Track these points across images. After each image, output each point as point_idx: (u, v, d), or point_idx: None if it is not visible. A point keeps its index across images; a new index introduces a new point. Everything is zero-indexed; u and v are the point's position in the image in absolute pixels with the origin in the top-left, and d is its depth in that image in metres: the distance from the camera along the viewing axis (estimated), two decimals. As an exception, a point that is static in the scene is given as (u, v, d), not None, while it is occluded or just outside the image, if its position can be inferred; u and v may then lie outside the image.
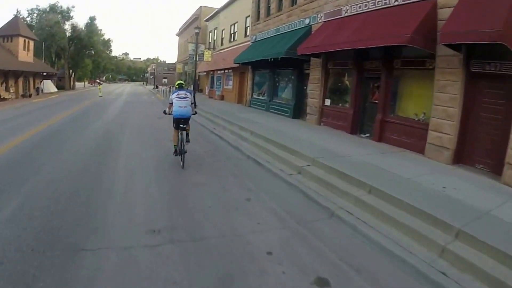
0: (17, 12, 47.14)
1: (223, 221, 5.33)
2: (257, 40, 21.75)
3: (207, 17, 36.58)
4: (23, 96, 33.60)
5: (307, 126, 14.80)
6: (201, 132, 13.79)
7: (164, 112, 9.26)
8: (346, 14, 13.42)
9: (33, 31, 44.42)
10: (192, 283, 3.69)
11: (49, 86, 44.69)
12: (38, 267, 3.75)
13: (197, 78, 41.04)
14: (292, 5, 17.89)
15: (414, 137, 10.31)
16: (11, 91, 31.73)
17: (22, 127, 13.01)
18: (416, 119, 10.48)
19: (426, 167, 8.26)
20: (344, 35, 12.06)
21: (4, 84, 30.97)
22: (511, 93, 7.97)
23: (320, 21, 15.13)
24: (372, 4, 11.99)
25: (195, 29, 23.14)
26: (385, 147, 10.53)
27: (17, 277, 3.57)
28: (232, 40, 28.78)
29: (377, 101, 12.14)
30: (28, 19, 46.38)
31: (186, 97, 8.49)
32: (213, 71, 31.63)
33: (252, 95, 22.99)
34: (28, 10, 46.23)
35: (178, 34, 59.80)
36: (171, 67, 65.74)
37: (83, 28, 52.30)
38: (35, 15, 47.01)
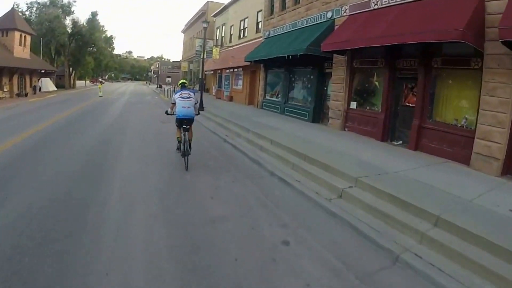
0: (14, 5, 46.05)
1: (260, 286, 3.81)
2: (270, 36, 20.36)
3: (215, 13, 35.30)
4: (19, 95, 32.40)
5: (330, 132, 13.45)
6: (213, 141, 12.33)
7: (166, 112, 9.10)
8: (376, 7, 12.24)
9: (32, 26, 43.53)
10: None
11: (47, 84, 43.70)
12: None
13: (203, 77, 39.88)
14: (312, -3, 16.50)
15: (456, 146, 9.37)
16: (5, 89, 30.53)
17: (3, 135, 11.37)
18: (459, 125, 9.52)
19: (480, 182, 7.32)
20: (378, 29, 10.81)
21: (-2, 82, 29.86)
22: None
23: (345, 14, 13.88)
24: (406, -5, 10.81)
25: (203, 23, 21.72)
26: (425, 158, 9.47)
27: None
28: (241, 36, 27.43)
29: (411, 104, 11.22)
30: (27, 13, 45.44)
31: (189, 97, 8.38)
32: (221, 69, 30.23)
33: (264, 96, 21.57)
34: (27, 4, 45.16)
35: (184, 31, 58.65)
36: (176, 65, 64.67)
37: (84, 23, 51.27)
38: (34, 9, 46.05)
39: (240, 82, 26.18)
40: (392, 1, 11.48)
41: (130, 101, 30.76)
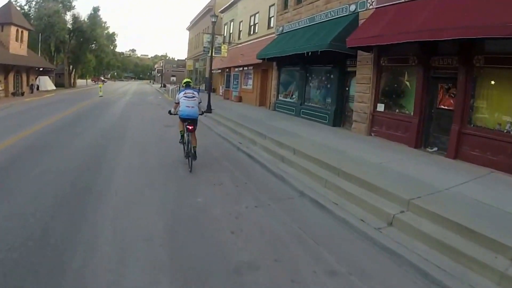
0: (11, -1, 45.18)
1: None
2: (284, 32, 19.11)
3: (222, 8, 34.06)
4: (14, 94, 31.40)
5: (356, 137, 12.21)
6: (225, 150, 11.01)
7: (170, 112, 9.19)
8: (408, -2, 11.08)
9: (31, 21, 42.65)
10: None
11: (46, 83, 42.80)
12: None
13: (211, 76, 38.70)
14: (333, -11, 15.23)
15: (501, 154, 8.47)
16: (0, 88, 29.56)
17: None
18: (504, 130, 8.64)
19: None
20: (414, 23, 9.78)
21: (-9, 80, 28.85)
22: None
23: (371, 7, 12.73)
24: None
25: (211, 17, 20.42)
26: (469, 168, 8.46)
27: None
28: (252, 33, 26.16)
29: (447, 107, 10.36)
30: (25, 7, 44.44)
31: (193, 97, 8.43)
32: (229, 68, 28.99)
33: (277, 96, 20.25)
34: (26, -3, 44.10)
35: (189, 28, 57.50)
36: (180, 64, 63.66)
37: (85, 19, 50.32)
38: (33, 3, 45.01)
39: (250, 81, 24.89)
40: (429, -9, 10.27)
41: (132, 102, 29.58)
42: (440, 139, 10.42)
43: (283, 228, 5.33)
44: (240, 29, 28.99)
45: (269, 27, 22.79)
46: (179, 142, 9.06)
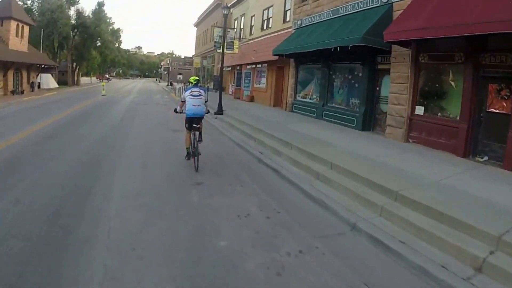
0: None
1: None
2: (303, 25, 17.53)
3: (232, 2, 32.51)
4: (13, 92, 30.25)
5: (393, 144, 10.70)
6: (244, 162, 9.41)
7: (175, 110, 9.05)
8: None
9: (34, 17, 41.68)
10: None
11: (48, 81, 41.85)
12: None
13: (218, 74, 37.21)
14: (362, -24, 13.66)
15: None
16: (-2, 86, 28.41)
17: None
18: None
19: None
20: (467, 13, 8.30)
21: (-10, 78, 27.69)
22: None
23: (408, -3, 11.11)
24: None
25: (223, 9, 18.75)
26: None
27: None
28: (265, 27, 24.61)
29: (499, 111, 9.07)
30: (28, 1, 43.28)
31: (200, 95, 8.40)
32: (240, 65, 27.43)
33: (295, 96, 18.68)
34: (29, -8, 43.00)
35: (196, 25, 56.14)
36: (187, 61, 62.28)
37: (90, 15, 49.18)
38: (37, -3, 43.90)
39: (264, 79, 23.32)
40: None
41: (136, 101, 28.13)
42: (490, 146, 9.15)
43: (341, 283, 3.81)
44: (252, 24, 27.46)
45: (284, 21, 21.24)
46: (185, 158, 8.62)
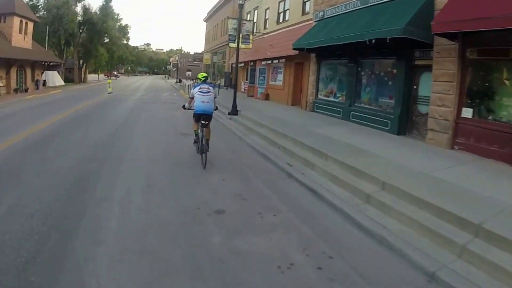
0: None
1: None
2: (326, 17, 15.83)
3: (245, -5, 30.91)
4: (17, 90, 29.05)
5: (438, 152, 9.15)
6: (271, 176, 7.79)
7: (184, 107, 9.15)
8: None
9: (41, 13, 40.68)
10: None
11: (54, 78, 40.80)
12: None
13: (229, 71, 35.70)
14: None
15: None
16: (1, 84, 27.17)
17: None
18: None
19: None
20: None
21: (-8, 76, 26.49)
22: None
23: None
24: None
25: (238, -1, 17.23)
26: None
27: None
28: (281, 20, 22.90)
29: None
30: (34, -2, 42.17)
31: (209, 92, 8.31)
32: (254, 61, 25.78)
33: (316, 95, 17.02)
34: (34, -12, 41.83)
35: (206, 20, 54.53)
36: (197, 57, 60.70)
37: (97, 11, 47.95)
38: (43, -6, 42.75)
39: (280, 76, 21.61)
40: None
41: (143, 99, 26.67)
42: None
43: None
44: (267, 17, 25.76)
45: (303, 13, 19.52)
46: (194, 143, 8.93)
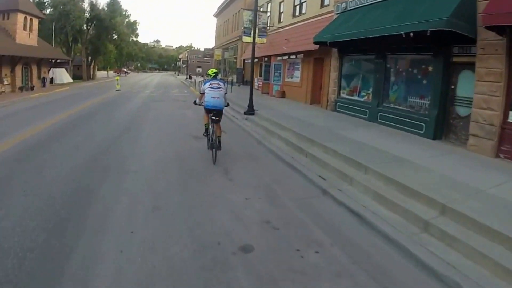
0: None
1: None
2: (348, 9, 14.42)
3: (257, -13, 29.51)
4: (22, 89, 28.18)
5: (484, 162, 7.95)
6: (303, 195, 6.48)
7: (195, 102, 9.15)
8: None
9: (48, 10, 39.91)
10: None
11: (62, 76, 40.01)
12: None
13: (241, 67, 34.39)
14: None
15: None
16: (5, 82, 26.26)
17: None
18: None
19: None
20: None
21: (-5, 74, 25.58)
22: None
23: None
24: None
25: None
26: None
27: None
28: (297, 13, 21.48)
29: None
30: (41, -5, 41.31)
31: (219, 87, 8.32)
32: (268, 57, 24.41)
33: (338, 93, 15.64)
34: (41, -16, 40.98)
35: (216, 15, 53.20)
36: (207, 53, 59.40)
37: (104, 7, 46.98)
38: (50, -10, 41.87)
39: (297, 73, 20.22)
40: None
41: (152, 97, 25.54)
42: None
43: None
44: (281, 11, 24.35)
45: (322, 5, 18.09)
46: (203, 135, 9.07)
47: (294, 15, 21.95)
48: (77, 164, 7.61)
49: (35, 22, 30.33)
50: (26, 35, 28.77)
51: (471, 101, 9.21)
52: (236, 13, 37.30)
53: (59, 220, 4.93)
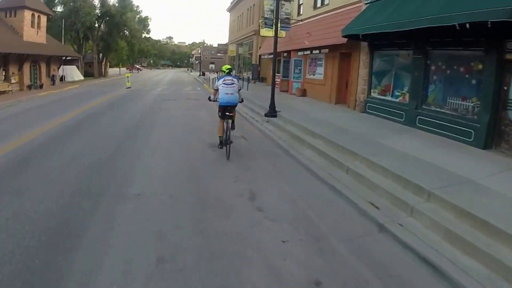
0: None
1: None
2: (380, -3, 12.77)
3: (273, -22, 27.78)
4: (30, 87, 27.20)
5: None
6: (353, 231, 4.97)
7: (209, 99, 9.16)
8: None
9: (58, 7, 39.03)
10: None
11: (73, 73, 39.17)
12: None
13: (257, 63, 32.76)
14: None
15: None
16: (13, 81, 25.23)
17: None
18: None
19: None
20: None
21: (3, 73, 24.54)
22: None
23: None
24: None
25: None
26: None
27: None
28: (319, 5, 19.71)
29: None
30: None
31: (233, 83, 8.30)
32: (287, 52, 22.73)
33: (369, 92, 13.98)
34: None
35: (229, 10, 51.59)
36: (221, 49, 57.61)
37: (115, 3, 45.87)
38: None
39: (320, 69, 18.50)
40: None
41: (163, 95, 24.17)
42: None
43: None
44: (300, 2, 22.64)
45: (347, -6, 16.38)
46: (218, 147, 8.58)
47: (315, 7, 20.21)
48: (66, 187, 6.11)
49: (43, 19, 29.36)
50: (34, 32, 27.81)
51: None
52: (250, 7, 35.68)
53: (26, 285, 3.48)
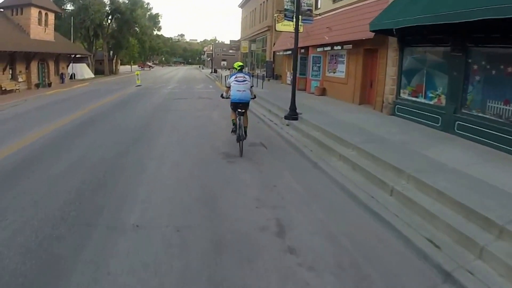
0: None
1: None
2: (411, -13, 11.35)
3: (288, -29, 26.36)
4: (38, 85, 26.51)
5: None
6: (410, 281, 3.76)
7: (222, 96, 9.09)
8: None
9: (68, 4, 38.50)
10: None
11: (83, 71, 38.65)
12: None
13: (271, 59, 31.49)
14: None
15: None
16: (20, 79, 24.52)
17: None
18: None
19: None
20: None
21: (10, 71, 23.79)
22: None
23: None
24: None
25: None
26: None
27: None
28: (339, -3, 18.45)
29: None
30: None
31: (244, 80, 8.33)
32: (305, 48, 21.37)
33: (398, 93, 12.61)
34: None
35: (241, 5, 50.38)
36: (233, 45, 56.53)
37: (125, 0, 45.02)
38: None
39: (342, 66, 17.14)
40: None
41: (173, 94, 23.14)
42: None
43: None
44: (318, -5, 21.32)
45: (371, -15, 14.99)
46: (231, 132, 8.69)
47: (334, 0, 18.86)
48: (47, 215, 4.92)
49: (51, 16, 28.64)
50: (41, 30, 27.09)
51: None
52: (264, 2, 34.45)
53: None
